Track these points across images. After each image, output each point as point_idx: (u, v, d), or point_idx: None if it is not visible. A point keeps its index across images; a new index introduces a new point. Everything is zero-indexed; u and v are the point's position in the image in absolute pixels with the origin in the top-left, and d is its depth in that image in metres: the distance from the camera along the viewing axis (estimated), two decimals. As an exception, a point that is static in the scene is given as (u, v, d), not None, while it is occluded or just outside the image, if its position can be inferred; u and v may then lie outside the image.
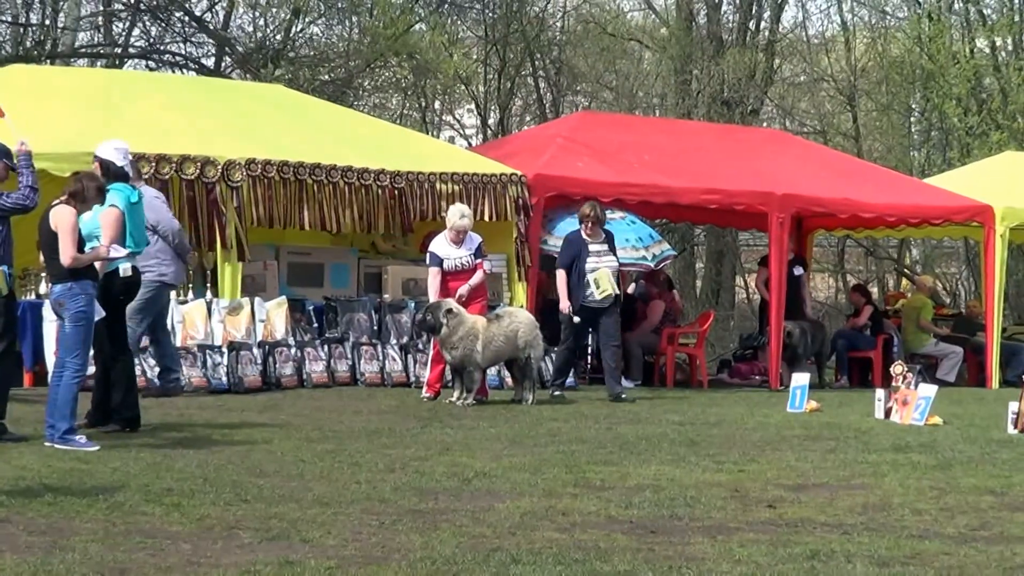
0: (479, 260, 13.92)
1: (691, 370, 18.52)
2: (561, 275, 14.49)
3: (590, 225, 14.24)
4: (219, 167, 14.60)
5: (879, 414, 13.36)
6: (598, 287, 14.14)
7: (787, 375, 16.96)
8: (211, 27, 25.75)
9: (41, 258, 10.19)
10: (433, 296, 13.76)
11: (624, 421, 12.52)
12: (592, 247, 14.33)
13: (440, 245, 13.88)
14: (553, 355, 15.79)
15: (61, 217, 9.69)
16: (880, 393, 13.59)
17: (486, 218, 15.81)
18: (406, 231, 16.38)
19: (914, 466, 9.79)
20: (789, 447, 10.82)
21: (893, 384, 13.40)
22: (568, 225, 16.29)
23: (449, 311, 13.31)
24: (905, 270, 30.93)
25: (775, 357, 17.62)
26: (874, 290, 29.55)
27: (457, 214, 13.79)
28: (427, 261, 14.07)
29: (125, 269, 10.31)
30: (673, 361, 17.92)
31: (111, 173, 10.42)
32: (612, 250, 14.32)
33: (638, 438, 11.10)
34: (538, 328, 14.12)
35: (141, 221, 10.60)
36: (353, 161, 15.53)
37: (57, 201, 9.87)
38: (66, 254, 9.63)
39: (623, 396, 14.27)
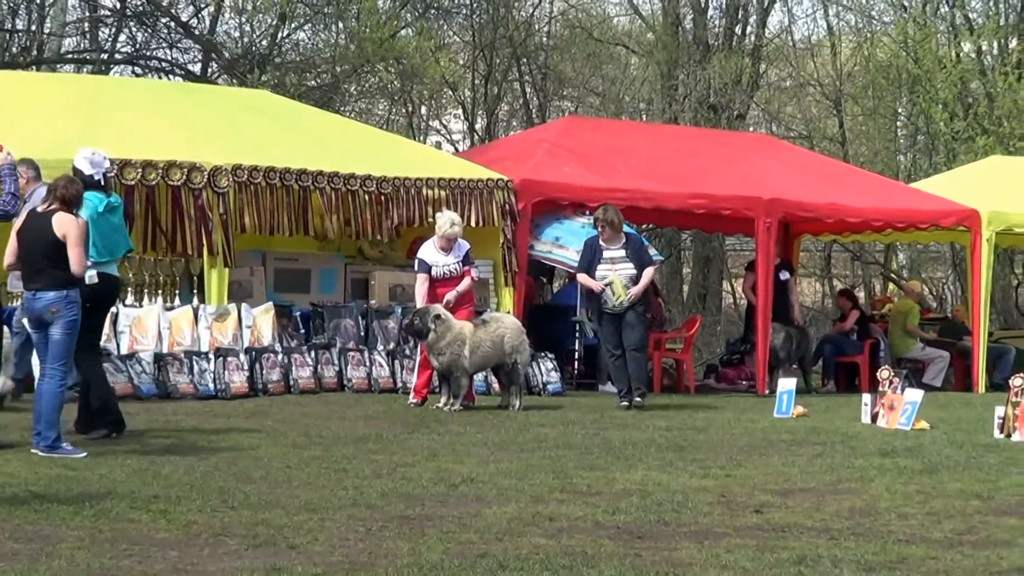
0: (467, 267, 13.83)
1: (678, 375, 18.39)
2: (582, 277, 14.42)
3: (602, 229, 14.09)
4: (205, 173, 14.55)
5: (866, 419, 13.30)
6: (613, 294, 13.95)
7: (770, 380, 17.02)
8: (197, 33, 25.66)
9: (6, 263, 9.99)
10: (420, 302, 13.67)
11: (611, 426, 12.44)
12: (607, 253, 14.10)
13: (428, 252, 13.81)
14: (539, 361, 15.74)
15: (70, 226, 9.66)
16: (867, 398, 13.54)
17: (473, 224, 15.71)
18: (392, 237, 16.30)
19: (900, 471, 9.78)
20: (776, 452, 10.79)
21: (880, 389, 13.38)
22: (555, 230, 16.36)
23: (437, 317, 13.29)
24: (891, 275, 30.94)
25: (762, 362, 17.58)
26: (860, 295, 29.55)
27: (448, 222, 13.71)
28: (415, 267, 13.95)
29: (91, 277, 10.24)
30: (660, 366, 17.84)
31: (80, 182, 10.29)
32: (632, 255, 13.99)
33: (625, 443, 11.03)
34: (524, 333, 14.00)
35: (111, 230, 10.49)
36: (339, 167, 15.46)
37: (49, 209, 9.80)
38: (79, 262, 9.64)
39: (637, 401, 13.97)
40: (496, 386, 14.70)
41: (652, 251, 16.87)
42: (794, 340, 18.20)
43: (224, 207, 14.59)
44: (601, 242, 14.20)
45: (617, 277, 13.96)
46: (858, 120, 31.82)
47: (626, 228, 15.93)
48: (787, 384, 14.29)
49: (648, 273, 14.05)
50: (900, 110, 31.24)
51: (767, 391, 16.94)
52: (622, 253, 14.12)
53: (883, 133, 30.98)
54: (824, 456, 10.57)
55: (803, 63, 32.81)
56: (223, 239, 14.52)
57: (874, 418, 13.22)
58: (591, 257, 14.19)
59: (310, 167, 15.26)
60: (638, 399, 13.96)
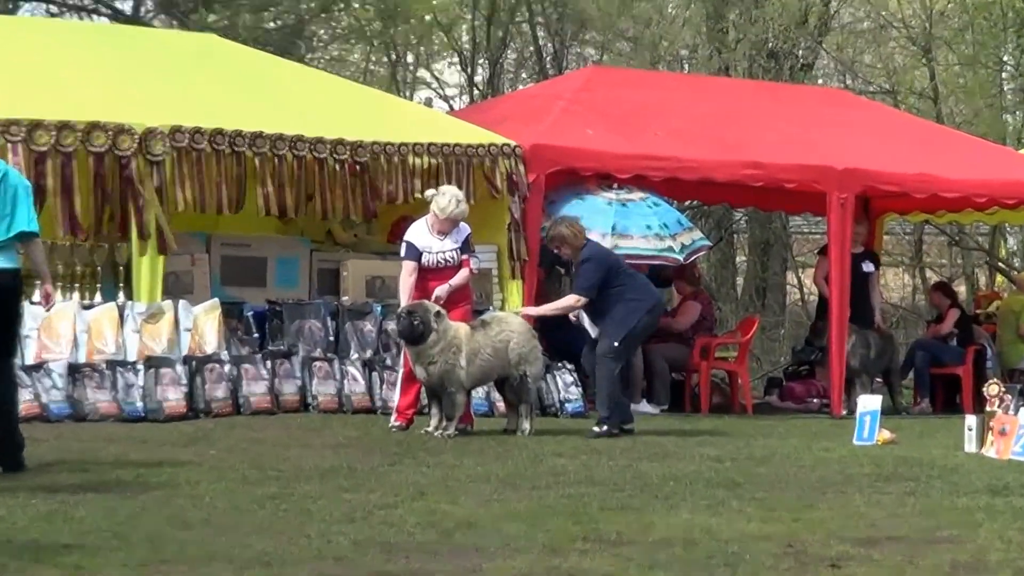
0: (466, 256, 13.77)
1: (731, 391, 18.36)
2: None
3: (557, 250, 14.37)
4: (136, 137, 14.50)
5: (970, 447, 13.22)
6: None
7: (847, 398, 17.13)
8: (127, -38, 25.71)
9: None
10: (405, 299, 13.51)
11: (646, 457, 12.39)
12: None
13: (420, 234, 13.70)
14: (556, 373, 15.77)
15: None
16: (971, 420, 13.46)
17: (472, 200, 15.41)
18: (369, 217, 16.24)
19: (1016, 513, 9.66)
20: (857, 489, 10.70)
21: (987, 408, 13.27)
22: (575, 208, 16.25)
23: (438, 314, 13.27)
24: (999, 264, 30.80)
25: (837, 375, 17.59)
26: (961, 289, 29.41)
27: (452, 201, 13.60)
28: (401, 253, 13.83)
29: None
30: (708, 380, 17.73)
31: None
32: (576, 283, 14.15)
33: (664, 478, 11.00)
34: (536, 339, 13.94)
35: None
36: (304, 129, 15.45)
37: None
38: None
39: (591, 431, 13.93)
40: (501, 406, 14.64)
41: (697, 234, 17.30)
42: (874, 347, 18.22)
43: (159, 179, 14.54)
44: None
45: None
46: (954, 71, 31.72)
47: (661, 204, 16.30)
48: (870, 403, 14.22)
49: (566, 301, 14.19)
50: (1006, 58, 31.15)
51: (844, 411, 17.01)
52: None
53: (985, 87, 30.86)
54: (918, 495, 10.50)
55: (884, 0, 32.67)
56: (157, 219, 14.43)
57: (981, 446, 13.09)
58: None
59: (267, 130, 15.22)
60: (594, 428, 13.93)
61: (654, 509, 9.59)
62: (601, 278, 13.93)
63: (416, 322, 13.18)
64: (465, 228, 13.80)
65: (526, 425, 13.66)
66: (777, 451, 13.15)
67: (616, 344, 13.86)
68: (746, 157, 17.64)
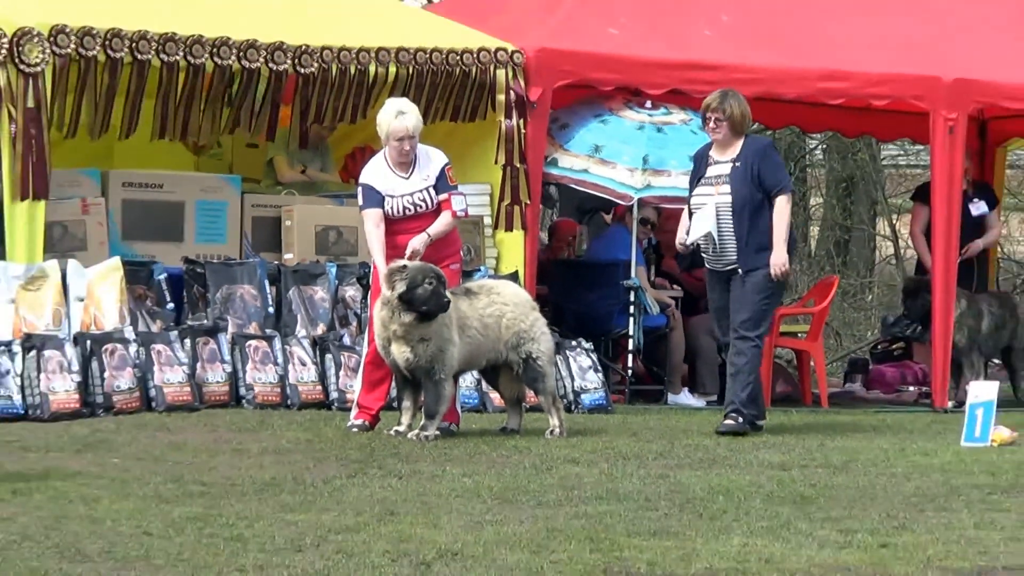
0: (444, 195, 13.69)
1: (801, 377, 18.40)
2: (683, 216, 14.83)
3: (712, 123, 14.28)
4: (5, 41, 14.40)
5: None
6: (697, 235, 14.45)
7: (954, 385, 17.14)
8: None
9: None
10: (381, 257, 13.40)
11: (688, 464, 12.40)
12: (712, 168, 14.43)
13: (377, 172, 13.68)
14: (569, 355, 15.82)
15: None
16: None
17: (450, 117, 15.92)
18: (319, 140, 16.46)
19: None
20: (965, 505, 10.66)
21: None
22: (592, 134, 16.50)
23: (438, 277, 13.19)
24: None
25: (941, 355, 17.54)
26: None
27: (391, 112, 13.54)
28: (359, 201, 13.82)
29: None
30: (771, 362, 17.61)
31: None
32: (748, 170, 14.12)
33: (711, 492, 10.99)
34: (537, 311, 14.01)
35: None
36: (231, 30, 15.42)
37: None
38: None
39: (750, 425, 14.26)
40: (495, 396, 14.81)
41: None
42: (988, 317, 18.12)
43: (37, 96, 14.43)
44: (711, 151, 14.41)
45: (706, 211, 14.21)
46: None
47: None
48: (983, 392, 14.15)
49: (781, 204, 14.18)
50: None
51: (951, 403, 17.18)
52: (729, 168, 14.30)
53: None
54: (1044, 512, 10.39)
55: None
56: (35, 150, 14.36)
57: None
58: (696, 174, 14.48)
59: (180, 31, 15.17)
60: (727, 422, 14.18)
61: (697, 533, 9.54)
62: None
63: (428, 285, 13.00)
64: (438, 157, 13.68)
65: (555, 421, 13.74)
66: (860, 455, 13.10)
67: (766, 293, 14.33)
68: (823, 64, 17.54)
